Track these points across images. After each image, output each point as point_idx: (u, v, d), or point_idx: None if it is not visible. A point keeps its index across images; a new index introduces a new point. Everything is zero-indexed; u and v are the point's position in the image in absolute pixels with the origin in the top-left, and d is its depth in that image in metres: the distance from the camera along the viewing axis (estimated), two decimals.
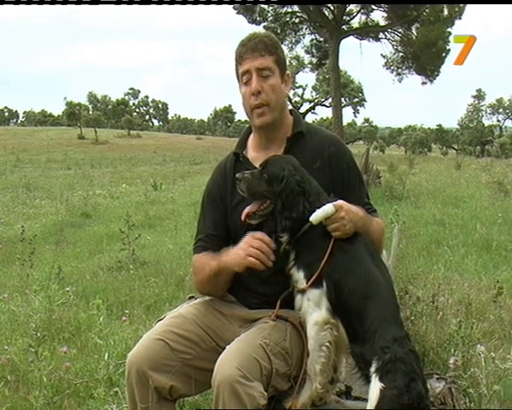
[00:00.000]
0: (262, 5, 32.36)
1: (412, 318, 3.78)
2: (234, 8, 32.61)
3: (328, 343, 2.21)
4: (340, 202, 2.25)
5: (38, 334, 3.64)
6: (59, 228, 10.32)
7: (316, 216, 2.22)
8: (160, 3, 4.16)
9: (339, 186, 2.38)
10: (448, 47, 32.28)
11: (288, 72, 2.53)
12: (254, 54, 2.42)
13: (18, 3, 3.95)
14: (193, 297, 2.65)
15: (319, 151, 2.45)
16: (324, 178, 2.37)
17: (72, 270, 7.15)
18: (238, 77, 2.50)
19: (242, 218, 2.34)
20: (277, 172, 2.28)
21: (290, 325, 2.35)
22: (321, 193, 2.31)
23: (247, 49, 2.44)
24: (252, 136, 2.60)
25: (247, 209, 2.34)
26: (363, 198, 2.51)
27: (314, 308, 2.21)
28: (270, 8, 33.64)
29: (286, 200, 2.26)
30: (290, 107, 2.64)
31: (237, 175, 2.36)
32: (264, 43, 2.45)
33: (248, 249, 2.27)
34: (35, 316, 4.16)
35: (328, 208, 2.22)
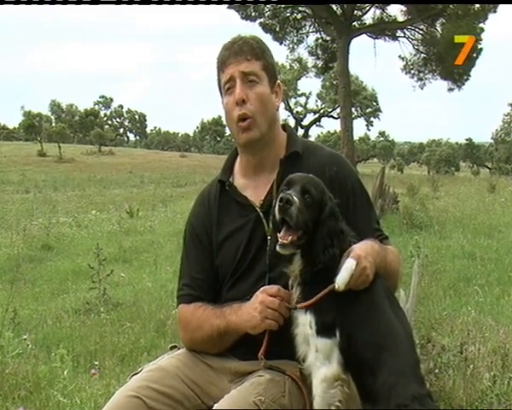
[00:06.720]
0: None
1: (436, 371, 3.78)
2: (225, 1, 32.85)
3: (338, 403, 2.19)
4: (357, 250, 2.22)
5: None
6: (14, 263, 10.27)
7: (342, 280, 2.16)
8: (160, 3, 4.40)
9: (344, 212, 2.37)
10: (480, 46, 32.08)
11: (278, 81, 2.56)
12: (239, 58, 2.45)
13: (18, 3, 4.23)
14: (175, 347, 2.66)
15: (319, 173, 2.41)
16: None
17: (30, 313, 7.13)
18: (220, 88, 2.53)
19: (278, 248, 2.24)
20: (320, 197, 2.27)
21: (289, 378, 2.34)
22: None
23: (230, 53, 2.47)
24: (238, 159, 2.62)
25: (287, 237, 2.23)
26: (373, 224, 2.54)
27: (323, 362, 2.19)
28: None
29: (330, 228, 2.24)
30: (282, 121, 2.65)
31: (284, 196, 2.20)
32: (251, 45, 2.48)
33: (265, 311, 2.29)
34: None
35: (350, 266, 2.17)
